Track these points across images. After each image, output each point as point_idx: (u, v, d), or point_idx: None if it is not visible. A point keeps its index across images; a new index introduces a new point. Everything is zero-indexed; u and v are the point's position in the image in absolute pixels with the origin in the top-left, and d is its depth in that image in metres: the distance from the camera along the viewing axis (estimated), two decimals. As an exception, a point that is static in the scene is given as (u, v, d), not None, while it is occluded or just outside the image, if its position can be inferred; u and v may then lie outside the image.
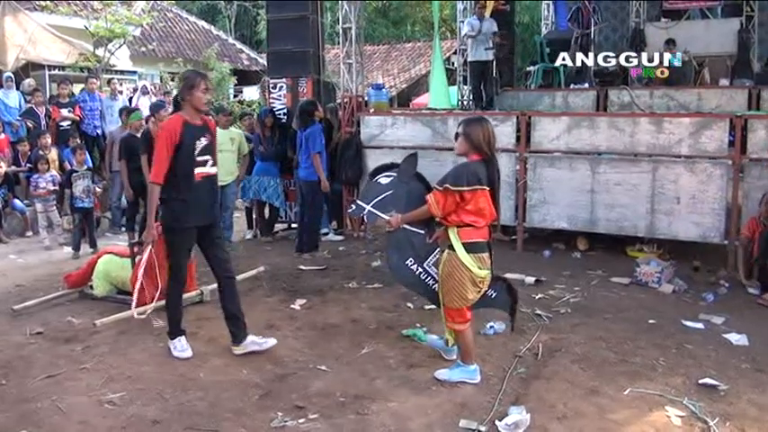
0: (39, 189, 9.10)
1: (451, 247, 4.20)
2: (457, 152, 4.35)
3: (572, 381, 4.39)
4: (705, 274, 7.06)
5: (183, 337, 4.86)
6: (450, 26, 22.16)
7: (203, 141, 4.65)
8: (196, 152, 4.61)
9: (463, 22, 12.89)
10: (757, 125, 7.05)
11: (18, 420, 3.88)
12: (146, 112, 9.72)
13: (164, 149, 4.53)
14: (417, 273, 4.74)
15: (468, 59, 11.65)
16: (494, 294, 4.59)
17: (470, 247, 4.18)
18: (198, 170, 4.63)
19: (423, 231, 4.67)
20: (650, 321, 5.59)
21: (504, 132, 7.90)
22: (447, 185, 4.14)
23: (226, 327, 4.87)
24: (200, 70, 5.06)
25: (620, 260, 7.50)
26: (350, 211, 5.04)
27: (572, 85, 12.48)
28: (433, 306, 5.77)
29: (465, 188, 4.10)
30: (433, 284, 4.66)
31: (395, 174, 4.96)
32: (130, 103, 12.20)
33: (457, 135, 4.30)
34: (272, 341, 4.87)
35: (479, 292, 4.31)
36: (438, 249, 4.54)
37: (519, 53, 16.66)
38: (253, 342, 4.82)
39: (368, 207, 4.88)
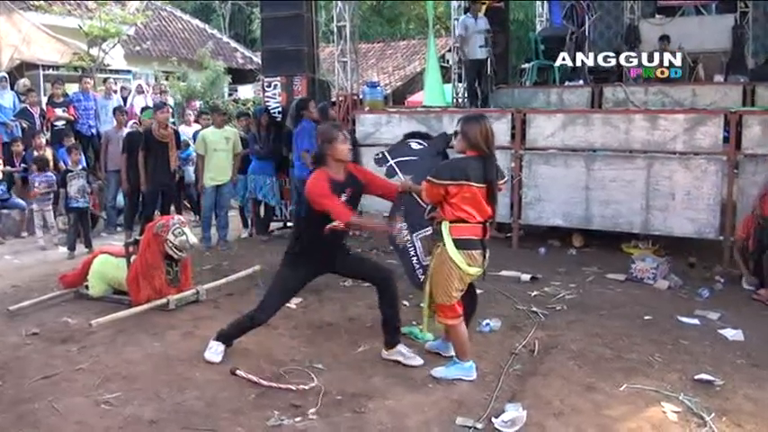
0: (34, 188, 9.12)
1: (444, 243, 4.21)
2: (456, 150, 4.35)
3: (568, 377, 4.40)
4: (700, 270, 7.08)
5: (225, 348, 4.73)
6: (445, 24, 22.13)
7: (343, 197, 4.53)
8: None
9: (458, 19, 12.90)
10: (752, 121, 7.06)
11: (15, 421, 3.87)
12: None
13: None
14: (405, 240, 4.80)
15: (464, 58, 11.65)
16: None
17: (460, 244, 4.17)
18: (330, 224, 4.53)
19: (425, 205, 4.73)
20: (646, 317, 5.60)
21: (500, 130, 7.87)
22: (430, 178, 4.19)
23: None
24: (334, 125, 4.92)
25: (616, 257, 7.51)
26: (375, 157, 5.18)
27: (567, 83, 12.47)
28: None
29: (448, 182, 4.13)
30: (413, 257, 4.81)
31: (426, 144, 5.07)
32: (125, 103, 12.18)
33: (456, 133, 4.31)
34: (418, 360, 4.61)
35: (462, 290, 4.31)
36: (430, 228, 4.68)
37: (513, 50, 16.64)
38: (399, 352, 4.66)
39: (391, 161, 5.07)
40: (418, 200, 4.73)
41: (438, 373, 4.40)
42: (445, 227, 4.22)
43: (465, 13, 11.99)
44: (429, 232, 4.70)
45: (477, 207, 4.19)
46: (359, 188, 4.65)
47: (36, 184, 9.06)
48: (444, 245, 4.20)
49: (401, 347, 4.67)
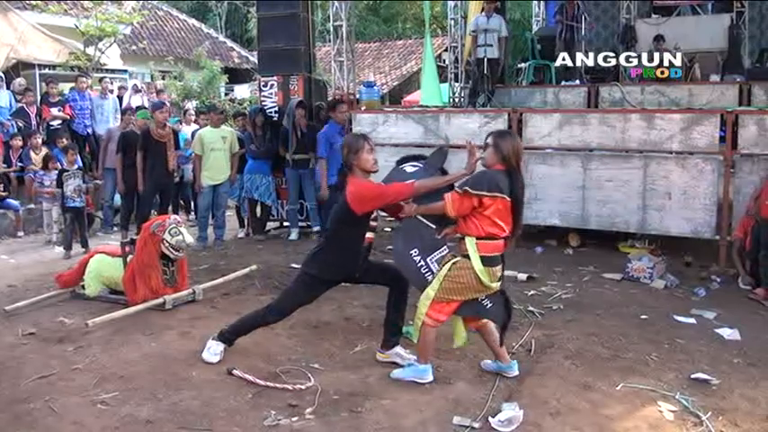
0: (44, 187, 9.13)
1: (467, 257, 4.15)
2: (485, 163, 4.28)
3: (565, 377, 4.41)
4: (697, 270, 7.10)
5: (225, 347, 4.71)
6: (441, 23, 22.15)
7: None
8: (371, 216, 4.63)
9: (454, 19, 12.92)
10: (748, 121, 7.07)
11: (11, 421, 3.87)
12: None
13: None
14: (419, 265, 4.66)
15: (472, 56, 11.61)
16: (489, 305, 4.43)
17: (486, 261, 4.14)
18: (368, 234, 4.62)
19: (434, 226, 4.60)
20: (642, 317, 5.61)
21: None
22: (467, 189, 4.10)
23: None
24: (361, 136, 4.64)
25: (612, 256, 7.52)
26: None
27: (563, 82, 12.49)
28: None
29: (485, 193, 4.08)
30: (431, 281, 4.62)
31: (421, 165, 4.90)
32: (121, 102, 12.16)
33: (486, 146, 4.27)
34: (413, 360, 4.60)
35: (476, 299, 4.29)
36: (445, 247, 4.51)
37: (510, 50, 16.65)
38: (397, 354, 4.66)
39: None
40: (425, 221, 4.59)
41: (395, 374, 4.41)
42: (471, 243, 4.15)
43: (465, 13, 11.98)
44: (445, 252, 4.49)
45: (506, 221, 4.18)
46: None
47: (48, 183, 9.09)
48: (469, 260, 4.13)
49: (399, 349, 4.67)
